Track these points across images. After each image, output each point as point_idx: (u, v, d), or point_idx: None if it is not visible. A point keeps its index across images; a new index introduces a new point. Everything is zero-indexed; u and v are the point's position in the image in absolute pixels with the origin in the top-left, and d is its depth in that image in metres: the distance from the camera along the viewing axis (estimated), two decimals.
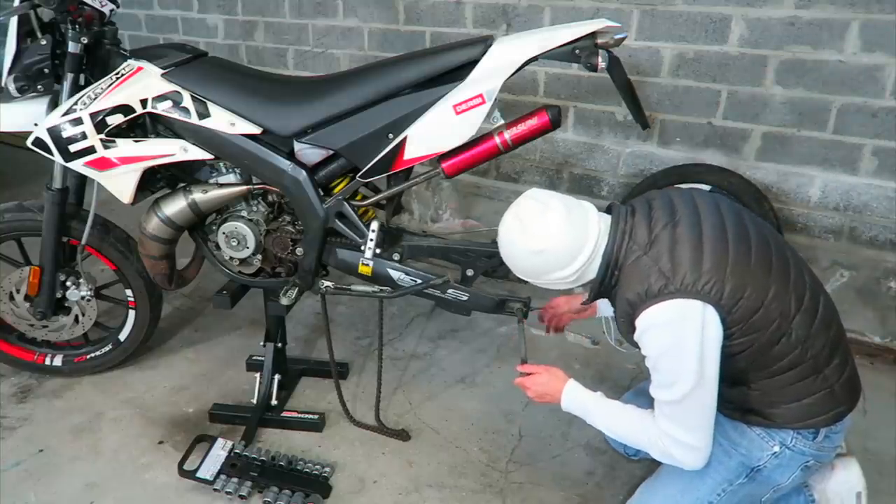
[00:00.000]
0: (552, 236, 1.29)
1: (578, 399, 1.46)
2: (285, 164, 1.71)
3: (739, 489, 1.42)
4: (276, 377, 2.02)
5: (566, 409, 1.48)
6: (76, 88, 1.74)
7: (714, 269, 1.21)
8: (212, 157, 1.74)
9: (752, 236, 1.30)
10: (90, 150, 1.69)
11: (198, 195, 1.79)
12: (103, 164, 1.71)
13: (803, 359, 1.28)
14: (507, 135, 1.60)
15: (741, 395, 1.36)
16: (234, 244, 1.84)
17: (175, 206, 1.80)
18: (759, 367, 1.29)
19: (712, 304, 1.20)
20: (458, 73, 1.58)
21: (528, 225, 1.31)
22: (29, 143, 1.72)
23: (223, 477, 1.71)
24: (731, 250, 1.25)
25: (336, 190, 1.79)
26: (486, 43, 1.57)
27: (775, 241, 1.35)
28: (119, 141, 1.70)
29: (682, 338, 1.20)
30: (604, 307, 1.74)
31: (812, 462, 1.39)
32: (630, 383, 2.18)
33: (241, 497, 1.68)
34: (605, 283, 1.33)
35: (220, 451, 1.79)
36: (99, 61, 1.78)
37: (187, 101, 1.68)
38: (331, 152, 1.73)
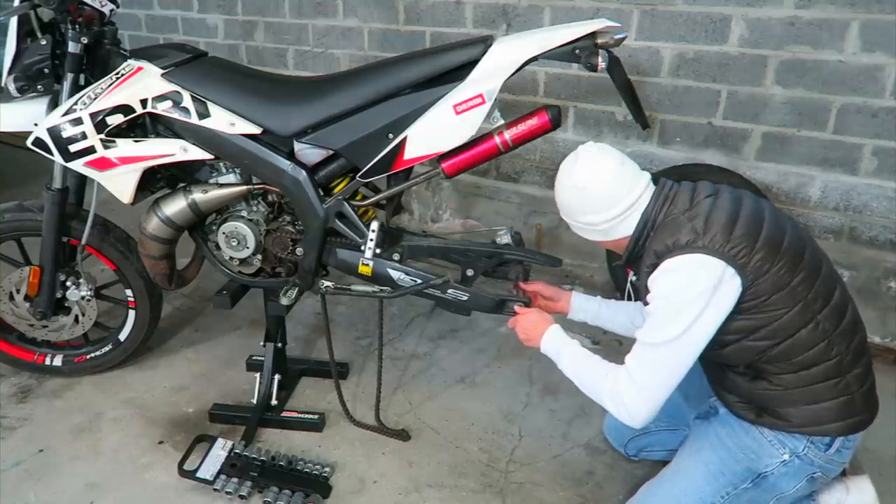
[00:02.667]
0: (597, 176, 1.33)
1: (556, 342, 1.49)
2: (285, 164, 1.71)
3: (743, 493, 1.42)
4: (276, 377, 2.02)
5: (544, 349, 1.51)
6: (76, 88, 1.74)
7: (745, 237, 1.23)
8: (212, 157, 1.74)
9: (788, 229, 1.32)
10: (90, 150, 1.69)
11: (198, 195, 1.79)
12: (103, 164, 1.71)
13: (828, 355, 1.29)
14: (507, 135, 1.60)
15: (760, 389, 1.35)
16: (234, 244, 1.84)
17: (175, 206, 1.80)
18: (785, 357, 1.29)
19: (736, 269, 1.21)
20: (458, 73, 1.58)
21: (580, 160, 1.37)
22: (29, 143, 1.72)
23: (223, 477, 1.71)
24: (765, 229, 1.27)
25: (336, 190, 1.79)
26: (486, 43, 1.57)
27: (810, 241, 1.36)
28: (119, 141, 1.70)
29: (693, 288, 1.21)
30: (577, 308, 1.73)
31: (819, 474, 1.39)
32: None
33: (241, 497, 1.68)
34: (640, 242, 1.35)
35: (220, 451, 1.79)
36: (99, 61, 1.78)
37: (187, 101, 1.68)
38: (331, 152, 1.73)
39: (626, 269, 1.57)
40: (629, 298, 1.73)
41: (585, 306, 1.73)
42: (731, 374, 1.40)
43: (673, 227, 1.28)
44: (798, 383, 1.31)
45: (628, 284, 1.63)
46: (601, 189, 1.33)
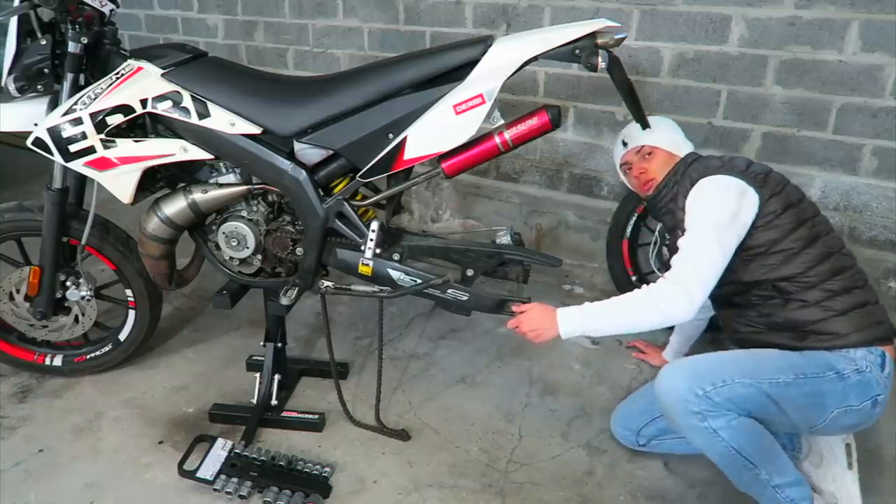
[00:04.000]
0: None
1: (572, 316, 1.55)
2: (285, 164, 1.71)
3: (815, 382, 1.44)
4: (276, 377, 2.02)
5: (566, 331, 1.55)
6: (76, 88, 1.74)
7: (759, 172, 1.58)
8: (212, 157, 1.74)
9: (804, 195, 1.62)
10: (90, 150, 1.69)
11: (198, 195, 1.79)
12: (103, 164, 1.71)
13: (841, 265, 1.51)
14: (507, 135, 1.60)
15: (796, 310, 1.50)
16: (234, 244, 1.84)
17: (175, 206, 1.80)
18: (802, 270, 1.49)
19: (754, 188, 1.52)
20: (458, 73, 1.58)
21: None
22: (29, 143, 1.72)
23: (223, 477, 1.71)
24: (774, 173, 1.60)
25: (336, 190, 1.79)
26: (485, 43, 1.57)
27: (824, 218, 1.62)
28: (119, 141, 1.70)
29: (726, 193, 1.51)
30: (671, 354, 2.18)
31: (881, 397, 1.48)
32: (630, 383, 2.18)
33: (241, 497, 1.68)
34: (675, 178, 1.69)
35: (220, 451, 1.79)
36: (99, 61, 1.78)
37: (187, 101, 1.68)
38: (331, 152, 1.73)
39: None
40: (658, 250, 2.03)
41: (675, 346, 2.15)
42: (765, 308, 1.55)
43: (702, 166, 1.64)
44: (819, 296, 1.48)
45: (656, 235, 1.98)
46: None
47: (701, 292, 1.45)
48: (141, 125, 1.75)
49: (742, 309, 1.62)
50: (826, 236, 1.54)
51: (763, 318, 1.57)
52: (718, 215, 1.48)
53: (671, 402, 1.42)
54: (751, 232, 1.50)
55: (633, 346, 2.34)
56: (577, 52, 1.52)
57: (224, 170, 1.82)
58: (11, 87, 1.73)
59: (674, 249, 1.60)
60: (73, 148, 1.69)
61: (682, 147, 1.78)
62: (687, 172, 1.66)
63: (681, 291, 1.44)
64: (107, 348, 2.15)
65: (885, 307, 1.55)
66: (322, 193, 1.75)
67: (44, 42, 1.73)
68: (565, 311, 1.57)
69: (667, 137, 1.79)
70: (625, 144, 1.85)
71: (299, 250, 1.83)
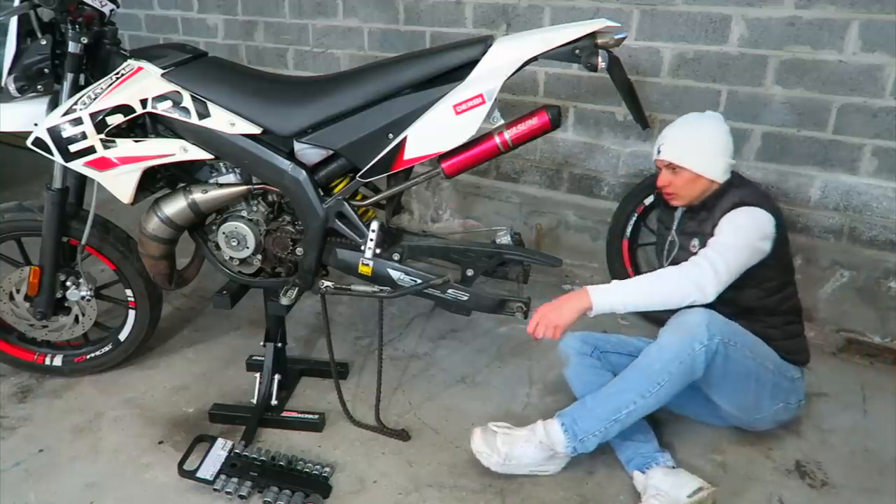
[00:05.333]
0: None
1: (607, 288, 1.62)
2: (285, 164, 1.71)
3: (773, 377, 1.74)
4: (276, 377, 2.02)
5: (599, 306, 1.61)
6: (76, 88, 1.74)
7: (781, 225, 1.75)
8: (212, 157, 1.74)
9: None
10: (90, 150, 1.70)
11: (198, 195, 1.79)
12: (103, 164, 1.71)
13: (795, 306, 1.84)
14: (507, 135, 1.60)
15: (765, 329, 1.76)
16: (234, 244, 1.84)
17: (175, 206, 1.80)
18: (776, 303, 1.78)
19: (775, 218, 1.71)
20: (458, 73, 1.58)
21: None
22: (29, 143, 1.72)
23: (223, 477, 1.71)
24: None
25: (336, 190, 1.79)
26: (485, 43, 1.57)
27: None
28: (119, 141, 1.70)
29: (765, 225, 1.68)
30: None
31: (803, 402, 1.87)
32: None
33: (241, 497, 1.68)
34: (721, 191, 1.76)
35: (220, 451, 1.79)
36: (99, 61, 1.78)
37: (187, 101, 1.68)
38: (331, 152, 1.73)
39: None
40: (668, 248, 1.97)
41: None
42: (744, 323, 1.73)
43: (747, 192, 1.74)
44: (780, 322, 1.80)
45: (672, 235, 1.92)
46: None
47: (726, 279, 1.61)
48: (141, 125, 1.75)
49: (740, 305, 1.76)
50: (793, 283, 1.83)
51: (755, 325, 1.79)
52: (751, 239, 1.66)
53: (694, 322, 1.63)
54: (755, 266, 1.68)
55: None
56: (577, 52, 1.52)
57: (224, 170, 1.82)
58: (11, 87, 1.73)
59: (683, 250, 1.85)
60: (73, 148, 1.69)
61: (715, 168, 1.72)
62: (728, 195, 1.73)
63: (711, 270, 1.59)
64: (107, 348, 2.15)
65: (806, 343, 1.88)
66: (322, 193, 1.75)
67: (44, 42, 1.73)
68: (597, 287, 1.63)
69: (701, 161, 1.71)
70: (658, 152, 1.77)
71: (299, 250, 1.83)
